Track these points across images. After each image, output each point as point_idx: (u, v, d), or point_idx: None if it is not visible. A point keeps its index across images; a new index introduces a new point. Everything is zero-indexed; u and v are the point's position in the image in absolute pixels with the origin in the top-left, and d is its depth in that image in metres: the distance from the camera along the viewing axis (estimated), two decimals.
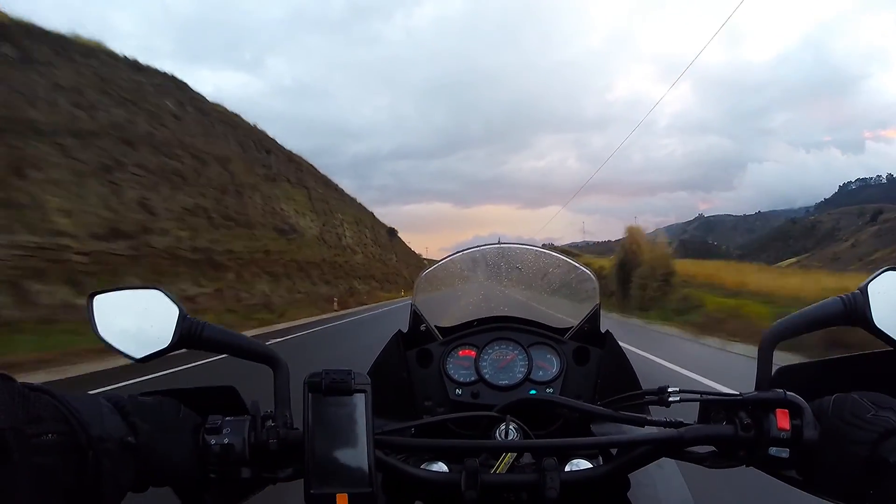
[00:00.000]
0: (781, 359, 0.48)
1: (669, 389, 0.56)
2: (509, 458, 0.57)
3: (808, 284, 12.11)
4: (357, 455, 0.48)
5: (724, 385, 4.85)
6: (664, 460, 0.58)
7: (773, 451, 0.49)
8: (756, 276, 16.03)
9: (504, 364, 0.87)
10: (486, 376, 0.84)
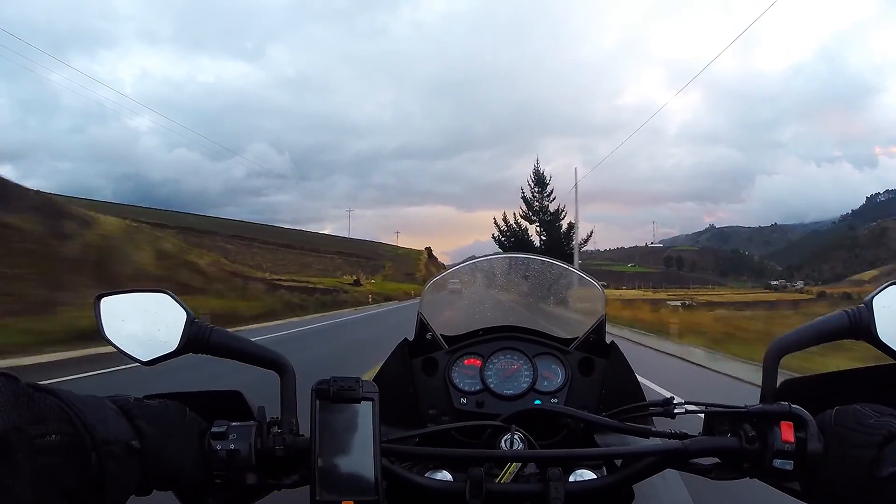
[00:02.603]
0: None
1: (675, 401, 0.58)
2: (514, 467, 0.58)
3: None
4: (363, 463, 0.49)
5: None
6: (668, 472, 0.59)
7: (777, 463, 0.51)
8: None
9: (509, 374, 0.89)
10: (492, 386, 0.86)
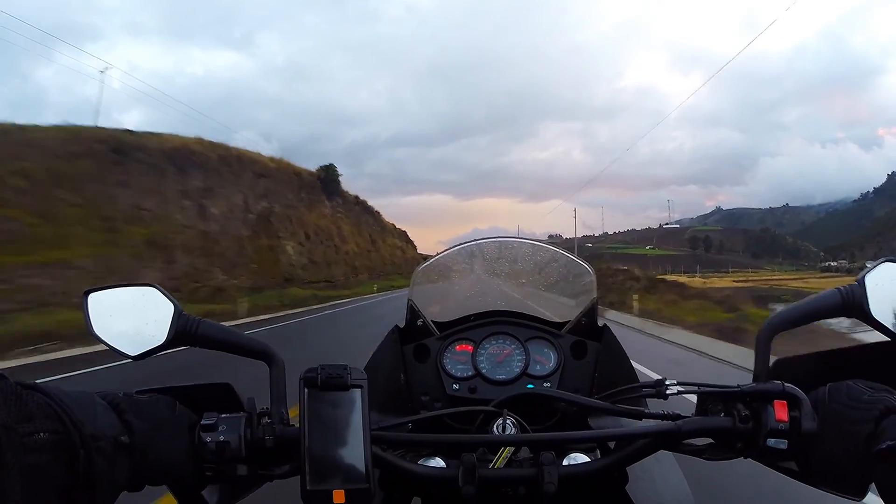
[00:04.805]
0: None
1: (667, 382, 0.59)
2: (507, 452, 0.60)
3: None
4: (354, 451, 0.50)
5: None
6: (662, 453, 0.61)
7: (771, 442, 0.52)
8: None
9: (501, 358, 0.91)
10: (484, 371, 0.89)
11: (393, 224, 61.64)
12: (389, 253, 48.99)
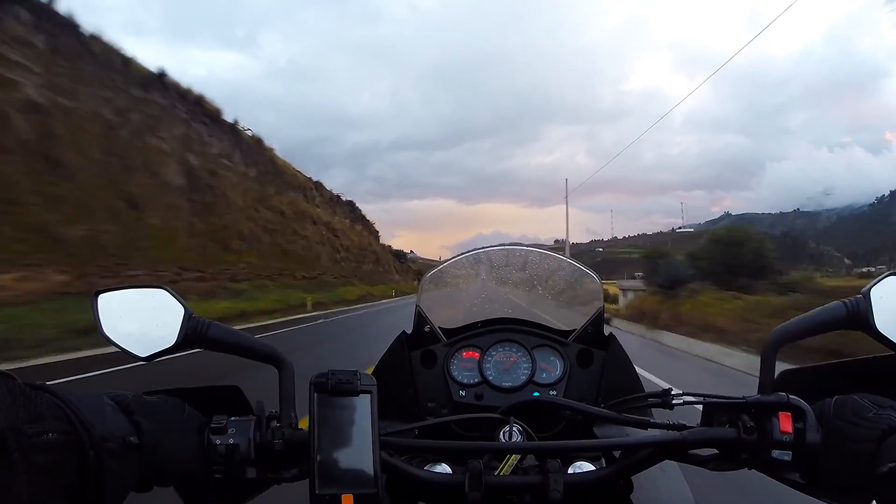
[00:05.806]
0: None
1: (673, 392, 0.60)
2: (513, 459, 0.61)
3: None
4: (362, 456, 0.52)
5: None
6: (667, 463, 0.62)
7: (775, 454, 0.53)
8: None
9: (508, 366, 0.92)
10: (490, 378, 0.90)
11: (319, 182, 38.66)
12: (279, 226, 25.13)
